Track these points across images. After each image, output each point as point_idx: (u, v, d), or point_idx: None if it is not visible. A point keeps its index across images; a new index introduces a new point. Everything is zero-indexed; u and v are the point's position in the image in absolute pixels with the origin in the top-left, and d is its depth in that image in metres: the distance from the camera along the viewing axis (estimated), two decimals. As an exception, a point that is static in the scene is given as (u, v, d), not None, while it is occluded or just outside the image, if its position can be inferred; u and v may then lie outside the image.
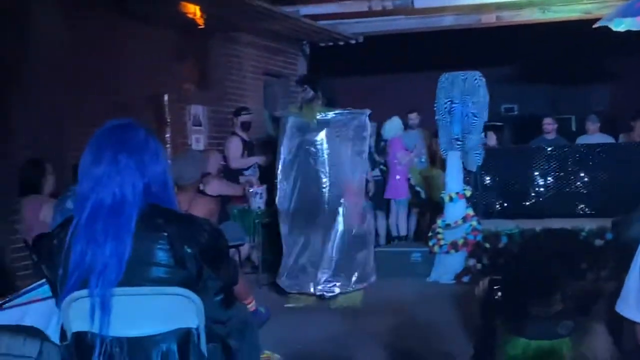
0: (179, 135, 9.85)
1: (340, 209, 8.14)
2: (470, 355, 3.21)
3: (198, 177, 6.34)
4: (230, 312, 3.00)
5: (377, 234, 11.87)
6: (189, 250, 2.72)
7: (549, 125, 11.48)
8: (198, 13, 9.42)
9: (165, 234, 2.71)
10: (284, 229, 8.30)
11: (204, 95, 10.57)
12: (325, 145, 8.12)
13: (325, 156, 8.12)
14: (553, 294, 2.82)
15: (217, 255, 2.85)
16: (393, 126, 11.44)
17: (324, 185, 8.12)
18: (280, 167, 8.27)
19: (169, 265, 2.72)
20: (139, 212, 2.71)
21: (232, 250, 8.29)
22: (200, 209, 5.93)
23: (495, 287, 3.17)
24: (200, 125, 10.41)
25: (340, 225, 8.14)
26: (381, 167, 11.73)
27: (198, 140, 10.22)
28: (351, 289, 8.16)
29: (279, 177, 8.25)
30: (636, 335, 2.50)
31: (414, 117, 11.83)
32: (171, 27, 9.72)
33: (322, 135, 8.14)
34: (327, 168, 8.12)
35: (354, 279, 8.20)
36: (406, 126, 11.87)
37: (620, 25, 8.03)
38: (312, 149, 8.13)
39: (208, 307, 2.83)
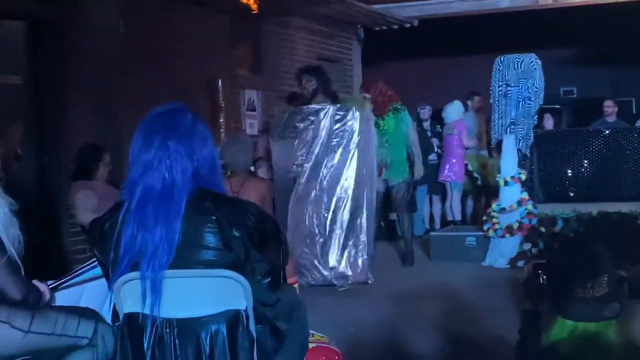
0: (233, 119, 9.93)
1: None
2: (517, 340, 3.19)
3: (250, 162, 6.40)
4: (278, 295, 3.03)
5: (432, 218, 11.88)
6: (236, 234, 2.75)
7: (610, 107, 11.32)
8: (251, -1, 9.47)
9: (214, 217, 2.74)
10: None
11: (258, 80, 10.63)
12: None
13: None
14: (598, 276, 2.79)
15: (263, 238, 2.88)
16: (454, 109, 11.34)
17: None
18: None
19: (217, 248, 2.75)
20: (189, 196, 2.76)
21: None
22: (252, 192, 6.01)
23: (539, 271, 3.15)
24: (254, 110, 10.48)
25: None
26: (437, 151, 11.68)
27: (252, 125, 10.29)
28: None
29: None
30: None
31: (475, 100, 11.76)
32: (225, 12, 9.79)
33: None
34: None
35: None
36: (466, 109, 11.81)
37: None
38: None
39: (256, 289, 2.86)
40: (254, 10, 9.50)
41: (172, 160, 2.76)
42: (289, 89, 10.80)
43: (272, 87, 10.89)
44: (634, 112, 14.38)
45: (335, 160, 7.99)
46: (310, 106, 8.16)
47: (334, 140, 8.00)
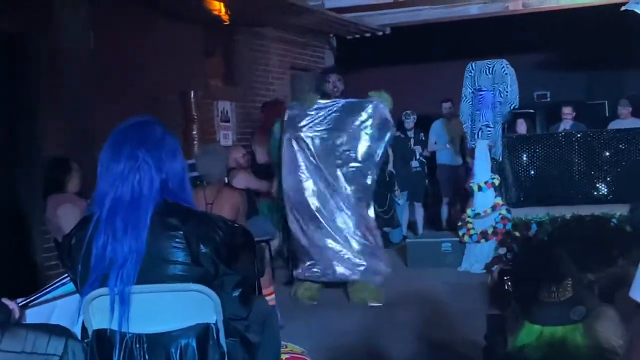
0: (207, 131, 9.92)
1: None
2: (483, 346, 3.21)
3: (224, 172, 6.38)
4: (250, 307, 3.03)
5: (415, 225, 11.93)
6: (204, 249, 2.76)
7: (569, 114, 11.47)
8: (223, 9, 9.47)
9: (181, 232, 2.75)
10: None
11: (231, 91, 10.63)
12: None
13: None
14: (562, 280, 2.82)
15: (233, 252, 2.88)
16: None
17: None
18: None
19: (185, 263, 2.76)
20: (155, 208, 2.76)
21: (262, 245, 8.35)
22: (226, 203, 5.99)
23: (505, 277, 3.18)
24: (228, 121, 10.47)
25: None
26: (420, 158, 11.75)
27: (226, 136, 10.28)
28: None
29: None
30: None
31: (447, 107, 11.82)
32: (197, 23, 9.79)
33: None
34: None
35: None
36: (440, 115, 11.90)
37: (648, 9, 7.92)
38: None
39: (226, 302, 2.86)
40: (226, 22, 9.51)
41: (141, 171, 2.77)
42: (262, 99, 10.82)
43: (246, 98, 10.90)
44: (607, 114, 14.51)
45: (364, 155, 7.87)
46: (350, 100, 8.07)
47: (369, 133, 7.87)
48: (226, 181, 6.92)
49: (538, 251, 3.24)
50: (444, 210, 11.94)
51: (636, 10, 7.88)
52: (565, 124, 11.35)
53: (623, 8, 7.94)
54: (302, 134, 7.77)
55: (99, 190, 2.81)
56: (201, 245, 2.75)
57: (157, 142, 2.84)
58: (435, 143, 11.88)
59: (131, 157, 2.78)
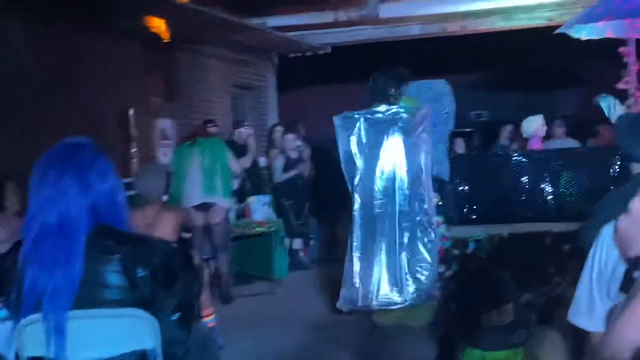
0: (146, 149, 9.82)
1: None
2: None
3: (162, 190, 6.29)
4: (189, 331, 3.00)
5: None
6: (141, 273, 2.73)
7: (511, 132, 11.65)
8: (164, 26, 9.41)
9: (118, 255, 2.72)
10: None
11: (172, 109, 10.55)
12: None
13: None
14: (504, 304, 2.85)
15: (171, 275, 2.86)
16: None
17: None
18: None
19: (122, 287, 2.72)
20: (88, 233, 2.72)
21: (202, 264, 8.28)
22: (166, 223, 5.92)
23: (449, 299, 3.21)
24: (168, 139, 10.39)
25: None
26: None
27: (166, 154, 10.19)
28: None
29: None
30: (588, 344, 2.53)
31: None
32: (137, 40, 9.71)
33: None
34: None
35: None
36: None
37: (581, 32, 8.11)
38: None
39: (165, 326, 2.83)
40: (166, 39, 9.45)
41: (68, 195, 2.73)
42: (203, 117, 10.75)
43: (187, 116, 10.83)
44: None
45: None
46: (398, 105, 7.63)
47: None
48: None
49: (479, 274, 3.28)
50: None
51: (570, 33, 8.09)
52: (503, 142, 11.48)
53: (557, 31, 8.15)
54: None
55: (28, 215, 2.77)
56: (138, 269, 2.72)
57: (86, 165, 2.81)
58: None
59: (58, 182, 2.74)
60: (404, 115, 7.46)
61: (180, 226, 6.07)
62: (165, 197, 6.77)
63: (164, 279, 2.80)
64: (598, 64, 13.34)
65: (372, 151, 7.36)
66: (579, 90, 15.19)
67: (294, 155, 10.78)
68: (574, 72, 14.80)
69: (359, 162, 7.36)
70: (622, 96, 8.15)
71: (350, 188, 7.45)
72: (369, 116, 7.44)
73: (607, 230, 2.55)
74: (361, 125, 7.38)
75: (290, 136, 10.82)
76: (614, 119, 7.74)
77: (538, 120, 10.99)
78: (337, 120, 7.53)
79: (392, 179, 7.36)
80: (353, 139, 7.38)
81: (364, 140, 7.38)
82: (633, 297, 1.33)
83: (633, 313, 1.31)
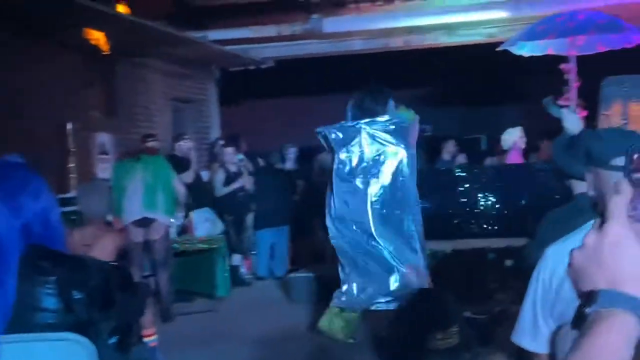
0: (85, 164, 9.62)
1: None
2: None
3: (104, 209, 6.11)
4: (129, 355, 2.88)
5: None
6: (77, 295, 2.61)
7: (453, 147, 11.73)
8: (103, 39, 9.25)
9: (53, 277, 2.59)
10: None
11: (111, 123, 10.37)
12: None
13: None
14: (449, 327, 2.79)
15: (109, 297, 2.74)
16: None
17: None
18: None
19: (56, 311, 2.60)
20: (21, 255, 2.60)
21: (144, 282, 8.12)
22: (104, 244, 5.73)
23: (394, 320, 3.15)
24: (107, 154, 10.20)
25: None
26: (303, 192, 11.79)
27: (105, 169, 9.99)
28: None
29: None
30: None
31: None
32: (76, 53, 9.52)
33: None
34: None
35: None
36: (324, 149, 11.92)
37: (523, 49, 8.18)
38: None
39: (102, 351, 2.71)
40: (105, 52, 9.28)
41: (-2, 217, 2.61)
42: (143, 131, 10.59)
43: (126, 130, 10.65)
44: (484, 148, 14.90)
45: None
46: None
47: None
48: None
49: (422, 295, 3.22)
50: (328, 244, 11.93)
51: (512, 50, 8.15)
52: (445, 158, 11.54)
53: (499, 48, 8.20)
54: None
55: None
56: (74, 291, 2.60)
57: (17, 186, 2.69)
58: (320, 176, 11.89)
59: None
60: (404, 125, 7.39)
61: (118, 247, 5.89)
62: (108, 216, 6.59)
63: (101, 302, 2.68)
64: (540, 79, 13.51)
65: (372, 162, 7.24)
66: (522, 106, 15.38)
67: (233, 169, 10.68)
68: (516, 88, 14.99)
69: (358, 172, 7.23)
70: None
71: (338, 198, 7.31)
72: (370, 126, 7.29)
73: (551, 251, 2.52)
74: (362, 135, 7.24)
75: (229, 150, 10.72)
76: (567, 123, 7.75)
77: (517, 132, 11.05)
78: (332, 131, 7.35)
79: (391, 191, 7.26)
80: (354, 150, 7.22)
81: (365, 150, 7.23)
82: (585, 335, 1.26)
83: (585, 353, 1.24)
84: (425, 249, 7.33)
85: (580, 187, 3.40)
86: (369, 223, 7.13)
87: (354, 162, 7.21)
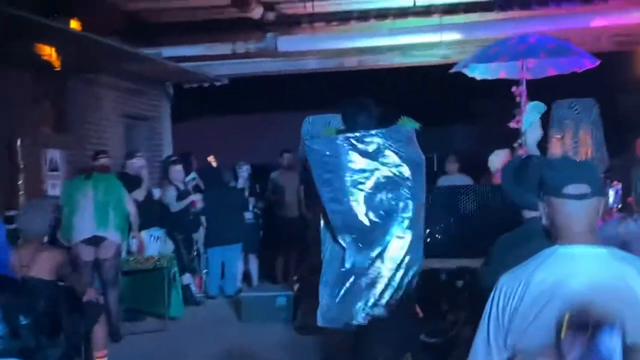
0: (34, 181, 9.46)
1: None
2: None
3: (45, 228, 5.97)
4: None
5: (250, 276, 11.82)
6: (23, 321, 2.55)
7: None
8: (54, 55, 9.13)
9: (-3, 303, 2.53)
10: None
11: (62, 139, 10.22)
12: None
13: None
14: (403, 355, 2.79)
15: (56, 320, 2.70)
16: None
17: None
18: None
19: (2, 337, 2.54)
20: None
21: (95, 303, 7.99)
22: (45, 263, 5.56)
23: (352, 345, 3.13)
24: (57, 170, 10.05)
25: None
26: (255, 210, 11.71)
27: (55, 186, 9.84)
28: None
29: None
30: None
31: (286, 158, 11.86)
32: (27, 68, 9.38)
33: None
34: None
35: None
36: (279, 167, 11.95)
37: (475, 71, 8.28)
38: None
39: (48, 378, 2.66)
40: (56, 68, 9.16)
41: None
42: (94, 148, 10.46)
43: (77, 146, 10.51)
44: (435, 169, 14.97)
45: None
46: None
47: None
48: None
49: (380, 324, 3.21)
50: (281, 263, 11.92)
51: (465, 72, 8.24)
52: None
53: (452, 70, 8.29)
54: None
55: None
56: (20, 317, 2.55)
57: None
58: (272, 195, 11.88)
59: None
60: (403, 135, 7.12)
61: (59, 267, 5.75)
62: (48, 235, 6.44)
63: (49, 326, 2.63)
64: (492, 100, 13.67)
65: (363, 175, 6.95)
66: (474, 126, 15.54)
67: (182, 187, 10.61)
68: (469, 108, 15.14)
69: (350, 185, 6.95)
70: (514, 135, 8.32)
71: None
72: (358, 140, 6.98)
73: (503, 281, 2.54)
74: (349, 148, 6.95)
75: (177, 167, 10.63)
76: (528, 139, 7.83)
77: (504, 153, 11.04)
78: (313, 143, 7.03)
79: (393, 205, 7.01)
80: (340, 162, 6.91)
81: (353, 164, 6.93)
82: None
83: None
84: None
85: (529, 212, 3.43)
86: (364, 237, 6.88)
87: (346, 175, 6.93)
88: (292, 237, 11.37)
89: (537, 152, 7.73)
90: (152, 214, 9.79)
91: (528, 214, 3.47)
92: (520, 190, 3.44)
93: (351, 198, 6.82)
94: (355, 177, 6.79)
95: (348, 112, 7.19)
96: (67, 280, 5.61)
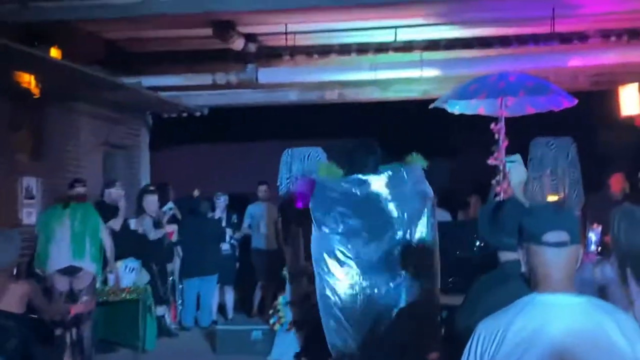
0: (9, 208, 9.38)
1: None
2: None
3: (14, 259, 5.87)
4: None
5: (225, 308, 11.74)
6: (-6, 360, 2.50)
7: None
8: (33, 82, 9.09)
9: (-33, 341, 2.48)
10: None
11: (38, 167, 10.15)
12: None
13: None
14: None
15: (27, 357, 2.64)
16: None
17: None
18: None
19: (-29, 376, 2.49)
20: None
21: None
22: (10, 295, 5.46)
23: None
24: (32, 198, 9.95)
25: None
26: (232, 241, 11.66)
27: (30, 214, 9.75)
28: None
29: None
30: None
31: (263, 190, 11.83)
32: (5, 95, 9.34)
33: None
34: None
35: None
36: (256, 198, 11.93)
37: (455, 107, 8.30)
38: None
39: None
40: (35, 95, 9.11)
41: None
42: (71, 176, 10.37)
43: (54, 174, 10.43)
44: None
45: None
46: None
47: None
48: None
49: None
50: (257, 295, 11.85)
51: (445, 107, 8.26)
52: None
53: (432, 105, 8.31)
54: None
55: None
56: (-9, 355, 2.49)
57: None
58: (249, 227, 11.84)
59: None
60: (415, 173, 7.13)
61: (29, 298, 5.66)
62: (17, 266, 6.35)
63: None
64: (471, 136, 13.72)
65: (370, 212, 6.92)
66: (452, 162, 15.57)
67: (156, 217, 10.53)
68: (447, 143, 15.19)
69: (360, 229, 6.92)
70: (492, 171, 8.33)
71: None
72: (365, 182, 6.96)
73: (481, 327, 2.53)
74: (359, 189, 6.95)
75: (151, 197, 10.52)
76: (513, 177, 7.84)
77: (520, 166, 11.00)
78: (325, 182, 7.00)
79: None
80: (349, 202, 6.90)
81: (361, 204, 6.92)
82: None
83: None
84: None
85: (505, 255, 3.42)
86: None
87: (356, 215, 6.92)
88: (269, 270, 11.31)
89: (520, 193, 7.74)
90: (128, 244, 9.71)
91: (504, 256, 3.45)
92: (496, 232, 3.44)
93: (365, 235, 6.88)
94: (364, 216, 6.84)
95: (357, 155, 7.30)
96: (38, 311, 5.53)
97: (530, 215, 2.56)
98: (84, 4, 8.81)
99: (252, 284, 11.95)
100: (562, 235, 2.45)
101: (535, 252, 2.48)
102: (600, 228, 7.29)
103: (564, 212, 2.54)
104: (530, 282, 2.55)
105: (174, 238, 10.74)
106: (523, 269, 2.56)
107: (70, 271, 8.14)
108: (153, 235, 10.28)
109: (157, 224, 10.50)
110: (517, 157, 7.68)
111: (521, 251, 2.56)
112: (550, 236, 2.46)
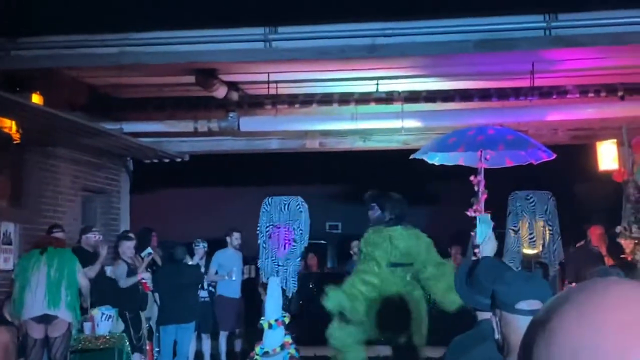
0: (-14, 254, 9.29)
1: None
2: None
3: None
4: None
5: (202, 356, 11.60)
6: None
7: (356, 248, 11.83)
8: (14, 128, 9.07)
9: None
10: None
11: (16, 212, 10.07)
12: None
13: None
14: None
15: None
16: None
17: None
18: None
19: None
20: None
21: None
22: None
23: None
24: (10, 244, 9.87)
25: None
26: (209, 288, 11.55)
27: (7, 260, 9.66)
28: None
29: None
30: None
31: (236, 237, 11.74)
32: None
33: None
34: None
35: None
36: (224, 245, 11.81)
37: (435, 159, 8.36)
38: None
39: None
40: (15, 140, 9.09)
41: None
42: (50, 221, 10.32)
43: (33, 220, 10.35)
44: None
45: None
46: None
47: None
48: None
49: None
50: (222, 344, 11.66)
51: (425, 159, 8.32)
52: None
53: (412, 156, 8.36)
54: None
55: None
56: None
57: None
58: (216, 273, 11.66)
59: None
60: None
61: (9, 346, 5.61)
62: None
63: None
64: (451, 186, 13.82)
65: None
66: (431, 210, 15.64)
67: (131, 263, 10.38)
68: (427, 192, 15.27)
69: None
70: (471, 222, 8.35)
71: None
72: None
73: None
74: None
75: (127, 243, 10.39)
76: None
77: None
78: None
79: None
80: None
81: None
82: None
83: None
84: None
85: (482, 314, 3.42)
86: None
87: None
88: (241, 318, 11.26)
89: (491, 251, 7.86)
90: (104, 291, 9.61)
91: (481, 315, 3.45)
92: (472, 292, 3.44)
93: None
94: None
95: (395, 206, 8.04)
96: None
97: (503, 282, 2.56)
98: (65, 52, 8.86)
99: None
100: (534, 304, 2.45)
101: (508, 320, 2.48)
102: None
103: (536, 280, 2.55)
104: (502, 350, 2.54)
105: (149, 286, 10.56)
106: (496, 335, 2.56)
107: (45, 319, 8.06)
108: (123, 283, 10.08)
109: (132, 272, 10.36)
110: (488, 218, 7.77)
111: (494, 318, 2.56)
112: (523, 304, 2.46)
